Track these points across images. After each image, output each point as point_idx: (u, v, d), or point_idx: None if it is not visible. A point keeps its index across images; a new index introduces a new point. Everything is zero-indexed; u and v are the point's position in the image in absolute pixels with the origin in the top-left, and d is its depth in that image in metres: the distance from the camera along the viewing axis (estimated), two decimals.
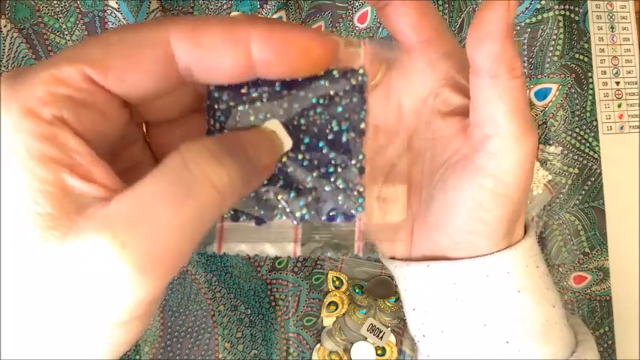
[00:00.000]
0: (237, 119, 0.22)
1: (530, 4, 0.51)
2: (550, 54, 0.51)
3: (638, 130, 0.52)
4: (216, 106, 0.22)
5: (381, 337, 0.47)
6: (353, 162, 0.23)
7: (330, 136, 0.23)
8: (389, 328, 0.48)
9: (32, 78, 0.19)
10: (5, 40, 0.46)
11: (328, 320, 0.48)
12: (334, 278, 0.49)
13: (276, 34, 0.19)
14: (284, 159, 0.22)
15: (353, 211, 0.23)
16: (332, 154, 0.23)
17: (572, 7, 0.52)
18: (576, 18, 0.52)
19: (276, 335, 0.48)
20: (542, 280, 0.29)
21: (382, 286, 0.48)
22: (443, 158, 0.28)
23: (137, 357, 0.46)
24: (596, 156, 0.51)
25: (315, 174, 0.23)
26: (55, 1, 0.46)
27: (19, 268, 0.18)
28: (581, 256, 0.51)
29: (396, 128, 0.30)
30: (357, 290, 0.48)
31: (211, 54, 0.19)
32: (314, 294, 0.48)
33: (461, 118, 0.28)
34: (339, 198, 0.23)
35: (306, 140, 0.22)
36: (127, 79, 0.19)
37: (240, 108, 0.22)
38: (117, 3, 0.46)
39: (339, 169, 0.23)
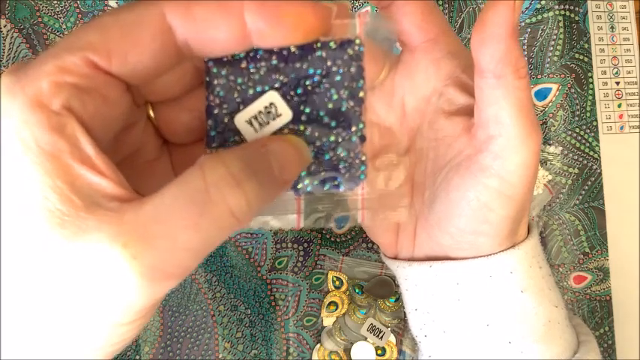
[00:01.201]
0: (237, 94, 0.22)
1: (530, 4, 0.51)
2: (550, 54, 0.51)
3: (638, 130, 0.52)
4: (215, 82, 0.22)
5: (381, 337, 0.47)
6: (353, 130, 0.23)
7: (329, 105, 0.23)
8: (389, 328, 0.48)
9: (36, 70, 0.18)
10: (5, 40, 0.45)
11: (328, 320, 0.48)
12: (334, 278, 0.48)
13: (269, 3, 0.19)
14: (285, 131, 0.22)
15: (355, 180, 0.23)
16: (332, 124, 0.23)
17: (572, 7, 0.52)
18: (576, 18, 0.52)
19: (276, 335, 0.48)
20: (545, 280, 0.29)
21: (382, 286, 0.48)
22: (446, 158, 0.28)
23: (137, 357, 0.46)
24: (596, 156, 0.51)
25: (317, 143, 0.23)
26: (55, 1, 0.46)
27: (26, 264, 0.18)
28: (581, 256, 0.51)
29: (399, 128, 0.30)
30: (357, 290, 0.48)
31: (206, 26, 0.19)
32: (314, 294, 0.48)
33: (465, 118, 0.28)
34: (341, 167, 0.23)
35: (307, 110, 0.22)
36: (130, 60, 0.19)
37: (239, 81, 0.22)
38: (117, 3, 0.46)
39: (340, 139, 0.23)
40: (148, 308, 0.19)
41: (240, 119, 0.22)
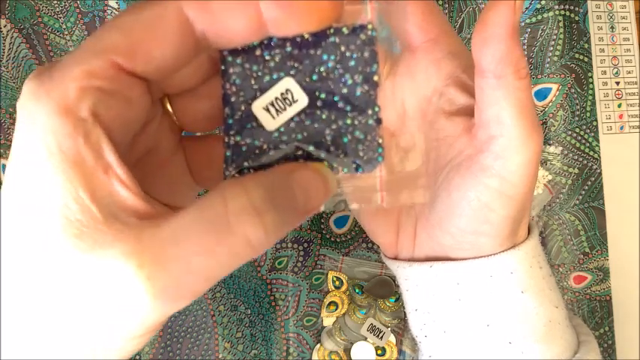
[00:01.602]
0: (253, 81, 0.22)
1: (530, 4, 0.51)
2: (550, 54, 0.51)
3: (638, 130, 0.52)
4: (230, 70, 0.22)
5: (381, 337, 0.47)
6: (369, 113, 0.23)
7: (344, 90, 0.23)
8: (389, 328, 0.48)
9: (62, 74, 0.18)
10: (5, 40, 0.45)
11: (328, 320, 0.48)
12: (334, 278, 0.48)
13: None
14: (302, 116, 0.23)
15: (373, 162, 0.23)
16: (348, 108, 0.23)
17: (572, 7, 0.52)
18: (576, 18, 0.52)
19: (276, 335, 0.48)
20: (545, 280, 0.29)
21: (382, 286, 0.48)
22: (447, 158, 0.28)
23: (137, 357, 0.46)
24: (596, 156, 0.51)
25: (333, 127, 0.23)
26: (55, 1, 0.46)
27: (40, 270, 0.18)
28: (581, 256, 0.51)
29: (399, 127, 0.30)
30: (357, 290, 0.48)
31: (223, 17, 0.19)
32: (314, 294, 0.48)
33: (466, 118, 0.28)
34: (359, 149, 0.23)
35: (322, 96, 0.23)
36: (153, 58, 0.19)
37: (255, 69, 0.22)
38: (117, 3, 0.46)
39: (356, 122, 0.23)
40: (159, 324, 0.19)
41: (257, 106, 0.22)
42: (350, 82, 0.23)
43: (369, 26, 0.23)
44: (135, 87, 0.20)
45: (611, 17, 0.53)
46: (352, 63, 0.23)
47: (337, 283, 0.48)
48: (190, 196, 0.26)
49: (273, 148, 0.23)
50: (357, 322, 0.48)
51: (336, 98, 0.23)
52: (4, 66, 0.45)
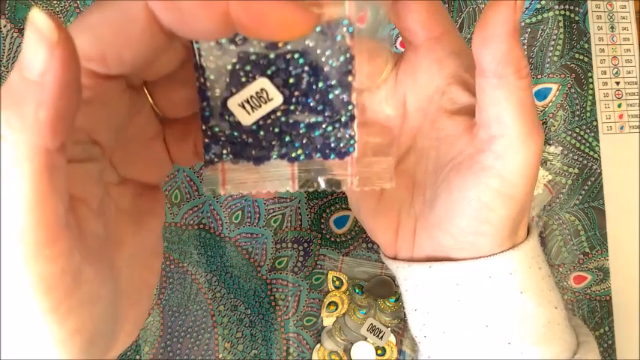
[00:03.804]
0: (227, 79, 0.23)
1: (530, 4, 0.51)
2: (550, 54, 0.51)
3: (638, 130, 0.52)
4: (205, 64, 0.23)
5: (381, 337, 0.47)
6: (342, 112, 0.24)
7: (318, 92, 0.23)
8: (389, 328, 0.48)
9: None
10: (5, 40, 0.45)
11: (328, 320, 0.48)
12: (334, 278, 0.48)
13: (254, 5, 0.19)
14: (278, 113, 0.23)
15: (346, 152, 0.24)
16: (320, 108, 0.23)
17: (572, 7, 0.52)
18: (576, 18, 0.52)
19: (276, 335, 0.48)
20: (544, 281, 0.29)
21: (382, 286, 0.48)
22: (448, 157, 0.28)
23: (137, 357, 0.46)
24: (596, 156, 0.51)
25: (306, 122, 0.24)
26: (55, 1, 0.46)
27: None
28: (581, 256, 0.51)
29: (400, 126, 0.30)
30: (357, 290, 0.48)
31: (190, 17, 0.19)
32: (314, 294, 0.48)
33: (467, 118, 0.28)
34: (331, 141, 0.24)
35: (296, 97, 0.23)
36: (124, 58, 0.19)
37: (229, 68, 0.23)
38: None
39: (328, 119, 0.24)
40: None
41: (233, 102, 0.23)
42: (323, 86, 0.23)
43: (345, 22, 0.23)
44: (113, 88, 0.20)
45: (611, 17, 0.53)
46: (327, 68, 0.23)
47: (337, 283, 0.48)
48: (164, 172, 0.26)
49: (252, 137, 0.23)
50: (357, 322, 0.48)
51: (309, 100, 0.23)
52: (4, 66, 0.45)
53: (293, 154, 0.24)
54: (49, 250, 0.17)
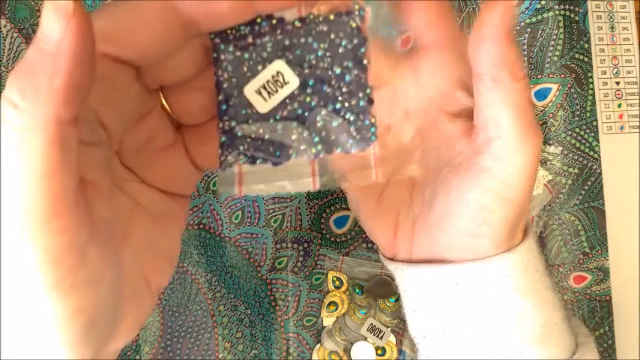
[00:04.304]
0: (245, 68, 0.23)
1: (531, 4, 0.51)
2: (550, 54, 0.51)
3: (638, 130, 0.52)
4: (222, 57, 0.23)
5: (381, 337, 0.47)
6: (360, 95, 0.23)
7: (334, 78, 0.23)
8: (389, 328, 0.48)
9: None
10: (5, 40, 0.45)
11: (328, 320, 0.48)
12: (334, 278, 0.49)
13: None
14: (295, 105, 0.23)
15: (367, 141, 0.23)
16: (337, 93, 0.23)
17: (572, 7, 0.52)
18: (576, 18, 0.52)
19: (276, 335, 0.48)
20: (541, 282, 0.29)
21: (382, 286, 0.48)
22: (446, 159, 0.28)
23: (137, 357, 0.46)
24: (596, 156, 0.51)
25: (324, 111, 0.23)
26: None
27: None
28: (581, 256, 0.51)
29: (400, 125, 0.30)
30: (357, 290, 0.48)
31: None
32: (314, 294, 0.48)
33: (467, 120, 0.28)
34: (352, 129, 0.23)
35: (311, 82, 0.23)
36: (137, 42, 0.19)
37: (246, 56, 0.23)
38: None
39: (347, 105, 0.23)
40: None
41: (250, 89, 0.23)
42: (339, 70, 0.23)
43: (356, 7, 0.23)
44: (122, 73, 0.20)
45: (611, 17, 0.53)
46: (341, 50, 0.23)
47: (337, 283, 0.49)
48: (191, 182, 0.26)
49: (269, 132, 0.23)
50: (357, 322, 0.48)
51: (324, 87, 0.23)
52: (4, 66, 0.45)
53: (313, 150, 0.23)
54: (55, 222, 0.17)
